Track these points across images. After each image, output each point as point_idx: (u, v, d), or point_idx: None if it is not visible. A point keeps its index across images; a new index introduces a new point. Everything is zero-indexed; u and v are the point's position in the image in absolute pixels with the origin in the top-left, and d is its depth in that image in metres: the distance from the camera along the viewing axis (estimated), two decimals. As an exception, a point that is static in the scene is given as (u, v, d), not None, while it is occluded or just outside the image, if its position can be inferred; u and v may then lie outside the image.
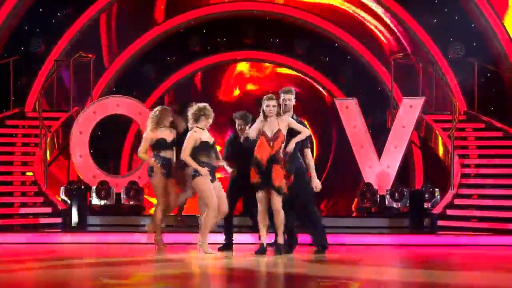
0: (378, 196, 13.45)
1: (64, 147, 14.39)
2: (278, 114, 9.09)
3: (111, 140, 17.02)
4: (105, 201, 13.37)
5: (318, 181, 9.27)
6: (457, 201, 13.06)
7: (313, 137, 17.90)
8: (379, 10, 16.31)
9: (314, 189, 9.25)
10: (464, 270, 8.30)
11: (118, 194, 13.46)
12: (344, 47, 16.59)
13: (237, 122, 9.72)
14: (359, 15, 16.76)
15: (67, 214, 12.62)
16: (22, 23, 15.30)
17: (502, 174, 13.49)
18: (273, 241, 9.29)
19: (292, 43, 17.28)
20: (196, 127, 9.36)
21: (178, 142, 9.93)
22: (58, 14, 16.12)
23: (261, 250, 9.08)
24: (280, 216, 9.02)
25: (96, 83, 15.86)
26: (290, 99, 9.25)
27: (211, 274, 7.78)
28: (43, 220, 12.68)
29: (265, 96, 9.15)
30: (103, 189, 13.36)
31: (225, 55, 17.25)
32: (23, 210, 12.99)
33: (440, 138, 14.05)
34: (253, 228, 10.19)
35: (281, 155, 8.97)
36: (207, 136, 9.39)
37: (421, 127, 14.56)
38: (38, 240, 11.48)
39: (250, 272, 7.84)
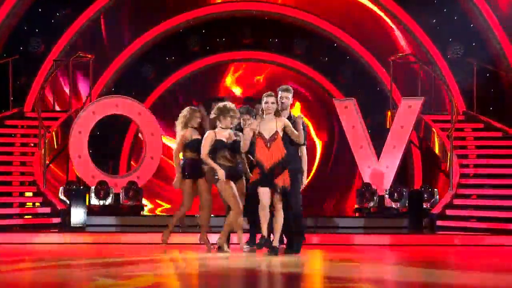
0: (377, 196, 13.44)
1: (63, 147, 14.39)
2: (277, 112, 9.08)
3: (110, 140, 17.03)
4: (104, 201, 13.36)
5: (304, 179, 9.24)
6: (456, 201, 13.06)
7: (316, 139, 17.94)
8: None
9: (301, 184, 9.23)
10: (463, 270, 8.30)
11: (117, 194, 13.45)
12: (343, 47, 16.60)
13: (242, 117, 9.69)
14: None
15: (66, 214, 12.62)
16: (21, 23, 15.29)
17: (501, 174, 13.50)
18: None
19: (291, 43, 17.29)
20: (220, 127, 9.40)
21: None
22: (58, 14, 16.12)
23: (261, 244, 9.02)
24: (281, 217, 9.01)
25: (95, 83, 15.86)
26: (287, 97, 9.26)
27: (207, 274, 7.78)
28: (42, 220, 12.67)
29: (264, 94, 9.17)
30: (102, 189, 13.35)
31: (224, 55, 17.25)
32: (22, 210, 12.98)
33: (439, 138, 14.06)
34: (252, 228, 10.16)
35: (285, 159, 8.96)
36: (224, 135, 9.40)
37: (420, 127, 14.56)
38: (37, 240, 11.47)
39: (250, 272, 7.84)
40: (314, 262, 9.06)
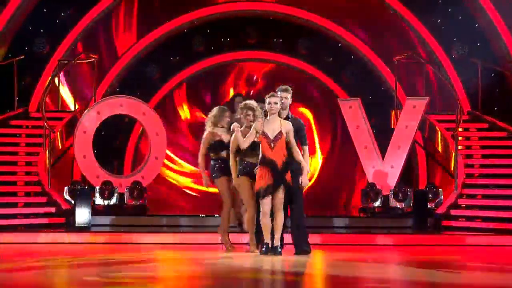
0: (382, 196, 13.43)
1: (68, 147, 14.40)
2: (280, 114, 9.11)
3: (115, 140, 17.04)
4: (109, 201, 13.37)
5: (307, 178, 9.22)
6: (461, 201, 13.05)
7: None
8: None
9: (301, 184, 9.17)
10: (468, 270, 8.29)
11: (122, 194, 13.46)
12: (347, 47, 16.58)
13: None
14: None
15: (70, 214, 12.63)
16: (26, 24, 15.31)
17: (506, 174, 13.47)
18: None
19: (296, 43, 17.28)
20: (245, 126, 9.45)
21: None
22: (62, 14, 16.13)
23: (266, 250, 9.03)
24: (281, 217, 9.01)
25: (100, 83, 15.88)
26: (286, 97, 9.27)
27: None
28: (46, 220, 12.69)
29: (267, 95, 9.16)
30: (107, 189, 13.36)
31: (228, 55, 17.25)
32: (26, 210, 13.00)
33: (443, 138, 14.04)
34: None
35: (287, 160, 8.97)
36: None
37: (424, 127, 14.54)
38: (42, 240, 11.49)
39: (255, 273, 7.84)
40: (317, 262, 9.05)
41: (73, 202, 12.89)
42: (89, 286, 6.75)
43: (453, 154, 13.40)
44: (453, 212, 12.82)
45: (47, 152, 13.34)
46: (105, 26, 16.95)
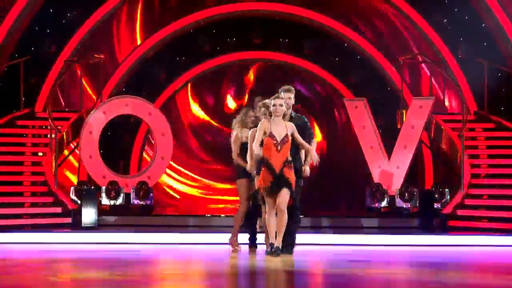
0: (388, 196, 13.42)
1: (74, 147, 14.43)
2: (285, 115, 9.10)
3: (120, 140, 17.06)
4: (115, 201, 13.39)
5: (308, 168, 9.29)
6: (467, 201, 13.02)
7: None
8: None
9: (304, 173, 9.25)
10: (474, 270, 8.28)
11: (128, 194, 13.48)
12: (353, 47, 16.56)
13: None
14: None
15: (77, 214, 12.66)
16: (32, 24, 15.33)
17: (512, 174, 13.45)
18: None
19: (301, 43, 17.27)
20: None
21: None
22: (69, 14, 16.16)
23: (272, 251, 9.00)
24: (284, 217, 8.98)
25: (106, 83, 15.90)
26: (290, 97, 9.27)
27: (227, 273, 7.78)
28: (53, 220, 12.71)
29: (272, 97, 9.13)
30: (113, 189, 13.38)
31: (234, 55, 17.25)
32: (33, 210, 13.02)
33: (450, 138, 14.02)
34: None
35: (290, 159, 8.98)
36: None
37: (431, 127, 14.52)
38: (48, 240, 11.51)
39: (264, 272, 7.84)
40: (320, 263, 9.05)
41: (79, 202, 12.91)
42: (95, 286, 6.76)
43: (459, 154, 13.37)
44: (459, 212, 12.80)
45: (54, 152, 13.36)
46: (111, 26, 16.97)
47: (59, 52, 15.39)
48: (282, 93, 9.26)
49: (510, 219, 12.47)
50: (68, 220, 12.70)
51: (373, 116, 13.88)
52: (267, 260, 8.79)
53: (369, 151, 13.75)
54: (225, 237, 10.25)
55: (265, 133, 9.04)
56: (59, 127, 13.80)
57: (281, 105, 9.01)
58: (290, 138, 9.01)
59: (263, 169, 8.99)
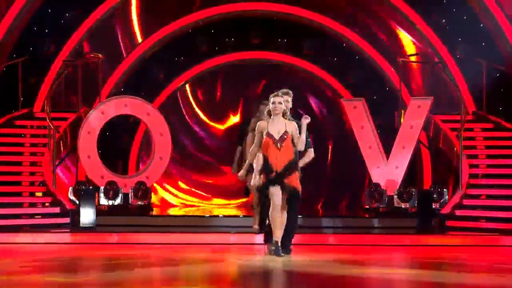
0: (386, 196, 13.42)
1: (73, 147, 14.42)
2: (285, 114, 9.00)
3: (119, 141, 17.05)
4: (113, 201, 13.39)
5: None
6: (465, 202, 13.02)
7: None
8: None
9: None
10: (473, 270, 8.27)
11: (126, 194, 13.48)
12: (352, 47, 16.57)
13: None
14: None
15: (75, 214, 12.65)
16: (31, 24, 15.32)
17: (511, 175, 13.44)
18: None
19: (300, 43, 17.27)
20: None
21: None
22: (67, 14, 16.15)
23: (277, 251, 8.83)
24: (285, 217, 8.89)
25: (104, 83, 15.90)
26: (287, 100, 9.23)
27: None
28: (51, 220, 12.71)
29: (271, 94, 9.06)
30: (111, 189, 13.38)
31: (232, 55, 17.25)
32: (31, 210, 13.02)
33: (448, 138, 14.01)
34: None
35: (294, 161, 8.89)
36: None
37: (429, 127, 14.51)
38: (46, 240, 11.51)
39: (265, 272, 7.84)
40: (320, 263, 9.05)
41: (77, 202, 12.90)
42: (93, 287, 6.76)
43: (458, 154, 13.37)
44: (458, 212, 12.80)
45: (52, 152, 13.36)
46: (110, 26, 16.96)
47: (58, 52, 15.39)
48: (277, 92, 9.19)
49: (508, 219, 12.47)
50: (67, 220, 12.69)
51: (371, 116, 13.88)
52: (266, 261, 8.78)
53: (367, 151, 13.74)
54: (224, 237, 10.25)
55: (262, 133, 8.95)
56: (58, 127, 13.79)
57: (280, 103, 8.89)
58: (290, 135, 8.90)
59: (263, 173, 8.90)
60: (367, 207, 13.49)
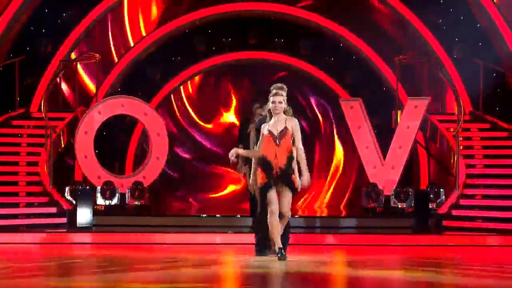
0: (383, 196, 13.43)
1: (70, 147, 14.41)
2: (286, 112, 8.88)
3: (116, 141, 17.05)
4: (110, 201, 13.38)
5: (308, 174, 8.85)
6: (462, 202, 13.04)
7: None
8: None
9: (305, 183, 8.81)
10: (469, 270, 8.28)
11: (123, 194, 13.47)
12: (349, 47, 16.57)
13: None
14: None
15: (72, 214, 12.64)
16: (28, 24, 15.31)
17: (508, 175, 13.46)
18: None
19: (297, 43, 17.27)
20: None
21: None
22: (64, 14, 16.14)
23: (282, 256, 8.64)
24: (285, 222, 8.82)
25: (101, 83, 15.88)
26: (282, 95, 9.17)
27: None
28: (48, 220, 12.70)
29: (270, 94, 8.96)
30: (108, 189, 13.37)
31: (230, 56, 17.24)
32: (28, 210, 13.01)
33: (445, 138, 14.03)
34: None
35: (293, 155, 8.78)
36: None
37: (426, 127, 14.52)
38: (43, 240, 11.50)
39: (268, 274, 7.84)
40: (318, 263, 9.05)
41: (74, 202, 12.90)
42: (90, 287, 6.75)
43: (455, 154, 13.38)
44: (454, 212, 12.81)
45: (49, 152, 13.35)
46: (107, 26, 16.95)
47: (55, 52, 15.37)
48: (274, 91, 9.11)
49: (505, 219, 12.48)
50: (63, 220, 12.68)
51: (368, 116, 13.89)
52: (263, 262, 8.78)
53: (364, 151, 13.75)
54: (220, 237, 10.25)
55: (262, 134, 8.83)
56: (55, 127, 13.78)
57: (281, 102, 8.76)
58: (290, 130, 8.75)
59: (259, 168, 8.78)
60: (364, 207, 13.50)
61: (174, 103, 18.30)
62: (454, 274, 7.80)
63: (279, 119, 8.81)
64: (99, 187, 13.40)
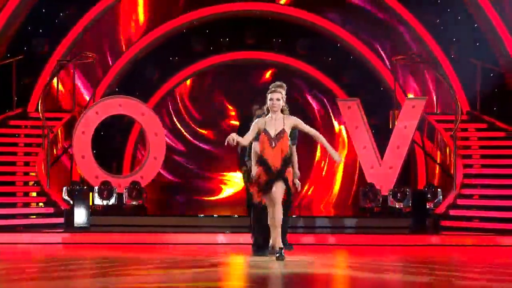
0: (380, 196, 13.44)
1: (67, 147, 14.40)
2: (283, 110, 8.84)
3: (113, 141, 17.04)
4: (108, 201, 13.38)
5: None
6: (459, 202, 13.05)
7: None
8: None
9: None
10: (466, 270, 8.29)
11: (121, 194, 13.47)
12: (346, 47, 16.57)
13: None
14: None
15: (69, 214, 12.64)
16: (25, 23, 15.30)
17: (505, 174, 13.48)
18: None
19: (295, 43, 17.27)
20: None
21: None
22: (61, 14, 16.13)
23: (281, 256, 8.66)
24: (279, 211, 8.73)
25: (98, 83, 15.87)
26: (281, 92, 9.16)
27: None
28: (45, 220, 12.69)
29: (268, 91, 8.92)
30: (106, 189, 13.37)
31: (227, 55, 17.24)
32: (25, 210, 13.00)
33: (442, 138, 14.04)
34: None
35: (289, 155, 8.76)
36: None
37: (423, 127, 14.54)
38: (41, 240, 11.50)
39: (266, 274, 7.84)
40: (315, 263, 9.05)
41: (71, 202, 12.89)
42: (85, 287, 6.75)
43: (452, 154, 13.40)
44: (452, 212, 12.83)
45: (46, 152, 13.34)
46: (104, 26, 16.94)
47: (52, 52, 15.37)
48: (272, 88, 9.07)
49: (502, 219, 12.50)
50: (61, 220, 12.68)
51: (366, 116, 13.89)
52: (261, 262, 8.79)
53: (362, 151, 13.76)
54: (218, 237, 10.25)
55: (259, 130, 8.80)
56: (52, 127, 13.77)
57: (278, 100, 8.71)
58: (287, 133, 8.74)
59: (259, 167, 8.75)
60: (362, 207, 13.51)
61: (171, 107, 18.31)
62: (452, 274, 7.81)
63: (277, 118, 8.75)
64: (96, 187, 13.40)
